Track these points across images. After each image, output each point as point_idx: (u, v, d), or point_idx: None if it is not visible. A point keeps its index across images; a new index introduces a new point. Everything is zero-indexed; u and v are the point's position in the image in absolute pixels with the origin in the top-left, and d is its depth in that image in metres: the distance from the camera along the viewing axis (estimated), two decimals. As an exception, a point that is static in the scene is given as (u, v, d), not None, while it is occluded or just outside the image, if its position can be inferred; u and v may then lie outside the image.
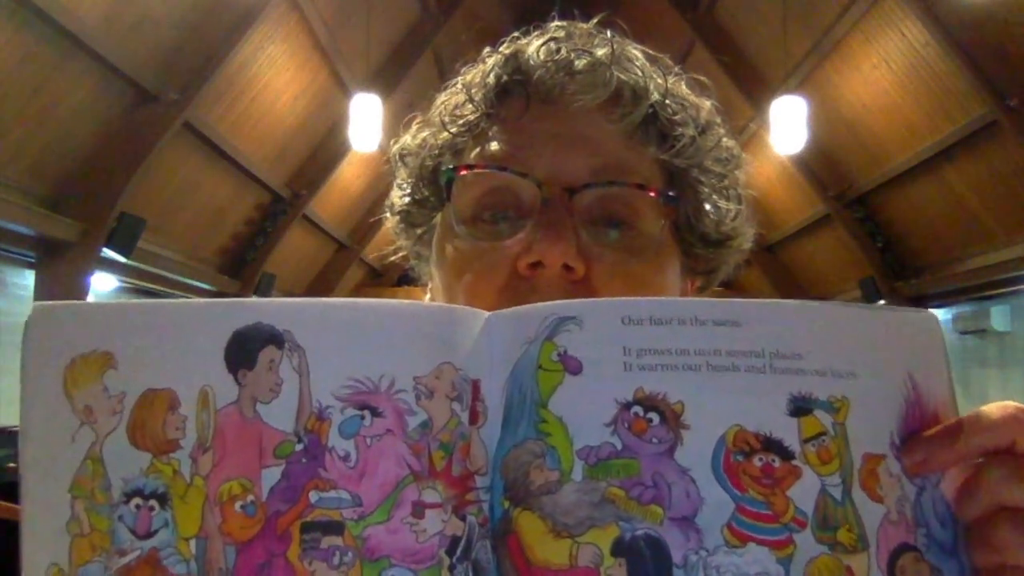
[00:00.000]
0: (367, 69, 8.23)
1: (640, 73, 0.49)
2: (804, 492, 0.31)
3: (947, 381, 0.34)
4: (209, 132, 7.01)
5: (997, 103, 5.96)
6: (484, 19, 10.49)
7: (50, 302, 0.34)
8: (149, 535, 0.32)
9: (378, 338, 0.32)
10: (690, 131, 0.49)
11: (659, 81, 0.50)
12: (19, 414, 0.34)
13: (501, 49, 0.51)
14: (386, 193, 0.60)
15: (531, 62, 0.49)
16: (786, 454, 0.31)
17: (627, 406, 0.31)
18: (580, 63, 0.48)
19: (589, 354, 0.32)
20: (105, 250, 6.28)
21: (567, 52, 0.49)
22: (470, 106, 0.51)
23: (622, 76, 0.48)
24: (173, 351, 0.32)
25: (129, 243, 6.45)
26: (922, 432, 0.32)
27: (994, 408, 0.32)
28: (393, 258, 0.63)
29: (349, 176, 10.27)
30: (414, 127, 0.55)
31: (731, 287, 15.41)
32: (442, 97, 0.55)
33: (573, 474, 0.31)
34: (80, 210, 6.09)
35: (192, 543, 0.32)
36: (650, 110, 0.48)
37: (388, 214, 0.56)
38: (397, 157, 0.56)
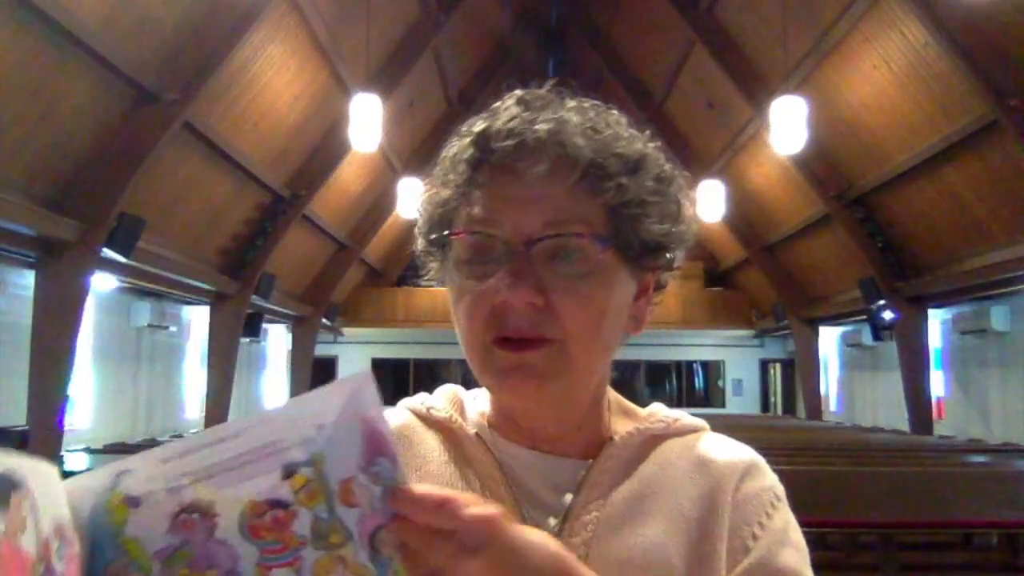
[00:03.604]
0: (367, 69, 8.23)
1: (578, 143, 0.62)
2: (302, 524, 0.46)
3: (379, 409, 0.48)
4: (209, 132, 7.01)
5: (997, 103, 5.96)
6: (484, 19, 10.51)
7: None
8: None
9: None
10: (623, 179, 0.63)
11: (595, 139, 0.63)
12: None
13: (474, 127, 0.66)
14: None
15: (492, 143, 0.63)
16: (286, 505, 0.46)
17: (176, 515, 0.46)
18: (529, 138, 0.62)
19: (142, 491, 0.46)
20: (105, 250, 6.28)
21: (520, 128, 0.62)
22: (453, 176, 0.66)
23: (558, 151, 0.62)
24: None
25: (129, 243, 6.45)
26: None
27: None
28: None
29: (349, 176, 10.27)
30: (427, 182, 0.71)
31: (732, 287, 15.41)
32: (444, 152, 0.69)
33: (154, 571, 0.46)
34: (80, 210, 6.08)
35: None
36: (587, 170, 0.62)
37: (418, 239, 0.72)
38: (420, 206, 0.71)
